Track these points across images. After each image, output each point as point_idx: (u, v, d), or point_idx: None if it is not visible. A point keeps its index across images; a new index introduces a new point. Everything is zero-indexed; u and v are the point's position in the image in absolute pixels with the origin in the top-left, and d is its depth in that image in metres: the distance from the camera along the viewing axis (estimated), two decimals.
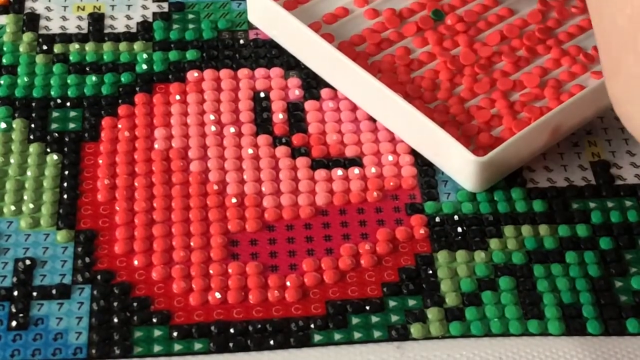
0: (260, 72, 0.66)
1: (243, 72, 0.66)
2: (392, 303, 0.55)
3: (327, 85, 0.66)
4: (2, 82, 0.64)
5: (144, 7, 0.70)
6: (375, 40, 0.67)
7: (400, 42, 0.67)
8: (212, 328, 0.54)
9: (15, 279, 0.55)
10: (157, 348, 0.53)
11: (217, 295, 0.55)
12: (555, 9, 0.69)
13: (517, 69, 0.66)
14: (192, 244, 0.57)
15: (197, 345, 0.53)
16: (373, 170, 0.61)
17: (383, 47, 0.67)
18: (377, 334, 0.54)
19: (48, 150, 0.61)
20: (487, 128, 0.62)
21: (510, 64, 0.66)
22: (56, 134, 0.62)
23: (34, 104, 0.63)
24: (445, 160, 0.61)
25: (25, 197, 0.59)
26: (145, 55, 0.67)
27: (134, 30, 0.68)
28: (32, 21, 0.68)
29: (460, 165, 0.59)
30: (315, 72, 0.66)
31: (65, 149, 0.61)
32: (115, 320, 0.54)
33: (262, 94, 0.65)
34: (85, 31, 0.68)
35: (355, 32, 0.67)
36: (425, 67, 0.66)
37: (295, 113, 0.64)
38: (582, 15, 0.69)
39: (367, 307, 0.55)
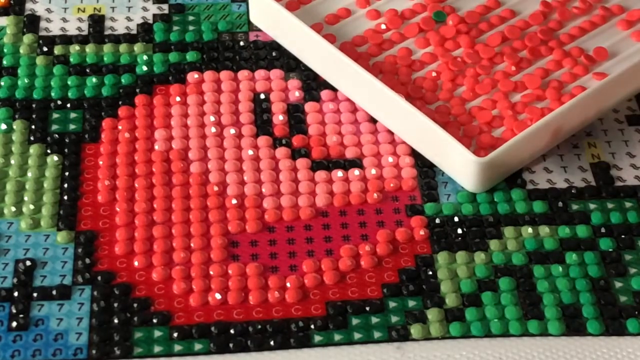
0: (260, 73, 0.66)
1: (243, 74, 0.66)
2: (392, 304, 0.55)
3: (327, 86, 0.66)
4: (2, 83, 0.64)
5: (144, 9, 0.70)
6: (377, 41, 0.67)
7: (401, 43, 0.67)
8: (213, 329, 0.54)
9: (15, 280, 0.55)
10: (157, 349, 0.53)
11: (218, 296, 0.55)
12: (557, 10, 0.69)
13: (519, 70, 0.66)
14: (192, 245, 0.57)
15: (198, 346, 0.53)
16: (373, 171, 0.61)
17: (385, 47, 0.67)
18: (377, 334, 0.54)
19: (48, 151, 0.61)
20: (489, 129, 0.62)
21: (511, 65, 0.66)
22: (56, 135, 0.62)
23: (34, 106, 0.64)
24: (446, 160, 0.61)
25: (25, 198, 0.59)
26: (145, 57, 0.67)
27: (134, 31, 0.68)
28: (32, 23, 0.68)
29: (461, 166, 0.59)
30: (315, 74, 0.66)
31: (66, 150, 0.61)
32: (116, 321, 0.54)
33: (262, 96, 0.65)
34: (85, 33, 0.68)
35: (357, 33, 0.68)
36: (426, 67, 0.66)
37: (296, 114, 0.64)
38: (583, 16, 0.69)
39: (367, 308, 0.55)
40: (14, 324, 0.53)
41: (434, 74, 0.65)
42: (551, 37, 0.68)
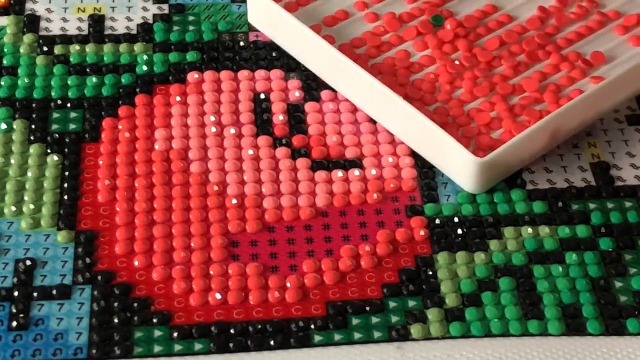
0: (260, 73, 0.67)
1: (243, 74, 0.66)
2: (392, 304, 0.55)
3: (327, 87, 0.66)
4: (2, 83, 0.65)
5: (145, 9, 0.70)
6: (376, 44, 0.67)
7: (400, 46, 0.67)
8: (213, 329, 0.54)
9: (15, 280, 0.55)
10: (157, 348, 0.53)
11: (218, 296, 0.55)
12: (555, 16, 0.69)
13: (517, 73, 0.66)
14: (192, 245, 0.57)
15: (198, 346, 0.53)
16: (373, 172, 0.61)
17: (383, 50, 0.67)
18: (377, 334, 0.54)
19: (49, 151, 0.61)
20: (487, 131, 0.62)
21: (509, 68, 0.66)
22: (57, 135, 0.62)
23: (34, 105, 0.64)
24: (445, 162, 0.61)
25: (26, 198, 0.59)
26: (145, 57, 0.67)
27: (134, 32, 0.68)
28: (32, 23, 0.68)
29: (460, 167, 0.59)
30: (315, 74, 0.66)
31: (66, 150, 0.61)
32: (116, 320, 0.54)
33: (262, 96, 0.65)
34: (85, 33, 0.68)
35: (355, 35, 0.68)
36: (425, 70, 0.66)
37: (296, 115, 0.64)
38: (580, 21, 0.69)
39: (368, 308, 0.55)
40: (14, 323, 0.53)
41: (432, 76, 0.65)
42: (549, 41, 0.68)
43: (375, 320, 0.55)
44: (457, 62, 0.66)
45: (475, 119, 0.63)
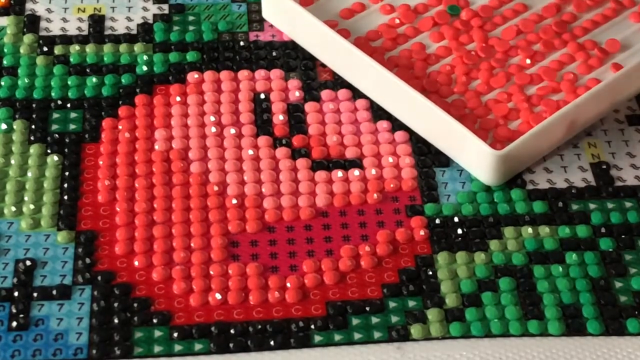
0: (260, 73, 0.66)
1: (243, 74, 0.66)
2: (392, 304, 0.55)
3: (327, 87, 0.66)
4: (2, 83, 0.64)
5: (145, 9, 0.70)
6: (391, 36, 0.67)
7: (416, 38, 0.68)
8: (213, 329, 0.54)
9: (15, 280, 0.55)
10: (157, 348, 0.53)
11: (218, 296, 0.55)
12: (573, 2, 0.70)
13: (533, 63, 0.66)
14: (192, 244, 0.57)
15: (198, 346, 0.53)
16: (373, 171, 0.61)
17: (399, 42, 0.67)
18: (377, 334, 0.54)
19: (48, 151, 0.61)
20: (505, 122, 0.63)
21: (526, 57, 0.66)
22: (57, 135, 0.62)
23: (34, 105, 0.64)
24: (462, 154, 0.61)
25: (25, 198, 0.59)
26: (145, 57, 0.67)
27: (134, 32, 0.68)
28: (32, 23, 0.68)
29: (478, 159, 0.59)
30: (315, 73, 0.66)
31: (66, 150, 0.61)
32: (116, 320, 0.54)
33: (262, 96, 0.65)
34: (85, 33, 0.68)
35: (371, 28, 0.68)
36: (441, 61, 0.66)
37: (296, 114, 0.64)
38: (596, 8, 0.70)
39: (367, 308, 0.55)
40: (14, 323, 0.53)
41: (448, 67, 0.66)
42: (565, 29, 0.68)
43: (375, 320, 0.55)
44: (473, 53, 0.66)
45: (493, 110, 0.63)
